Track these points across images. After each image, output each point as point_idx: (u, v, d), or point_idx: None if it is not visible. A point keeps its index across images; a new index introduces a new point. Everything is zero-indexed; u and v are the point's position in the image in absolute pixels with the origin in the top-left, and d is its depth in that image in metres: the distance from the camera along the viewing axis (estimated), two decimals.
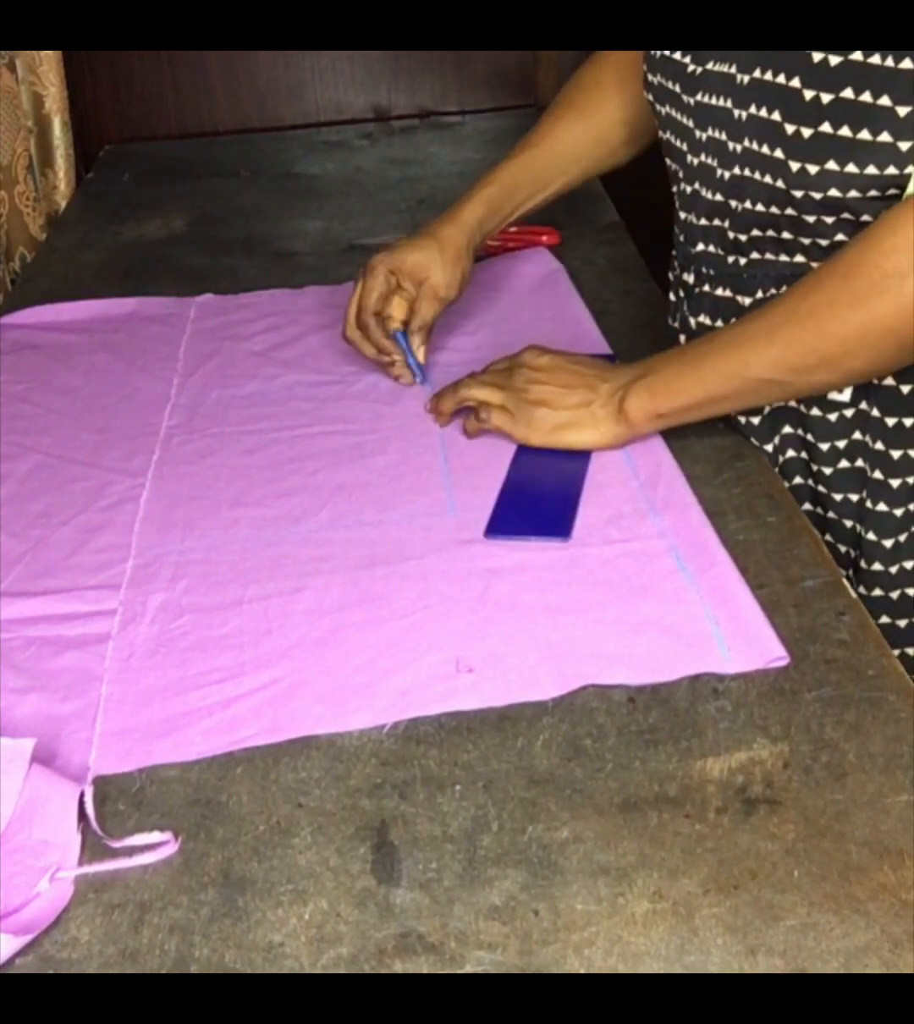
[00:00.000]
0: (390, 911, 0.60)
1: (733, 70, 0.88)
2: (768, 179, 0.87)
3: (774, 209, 0.88)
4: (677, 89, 0.94)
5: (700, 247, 0.97)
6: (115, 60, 1.81)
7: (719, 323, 0.96)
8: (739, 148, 0.88)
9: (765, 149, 0.86)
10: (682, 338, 1.01)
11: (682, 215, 0.99)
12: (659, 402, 0.91)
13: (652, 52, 0.98)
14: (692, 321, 0.99)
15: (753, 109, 0.86)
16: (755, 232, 0.91)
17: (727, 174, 0.90)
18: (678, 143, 0.96)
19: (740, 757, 0.68)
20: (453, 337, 1.17)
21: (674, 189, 1.01)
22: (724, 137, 0.90)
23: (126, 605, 0.83)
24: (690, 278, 1.00)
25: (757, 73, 0.85)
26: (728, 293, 0.96)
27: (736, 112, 0.88)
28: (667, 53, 0.95)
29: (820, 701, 0.71)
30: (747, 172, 0.88)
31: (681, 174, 0.97)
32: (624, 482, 0.92)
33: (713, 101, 0.90)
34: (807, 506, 0.95)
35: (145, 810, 0.67)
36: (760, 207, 0.89)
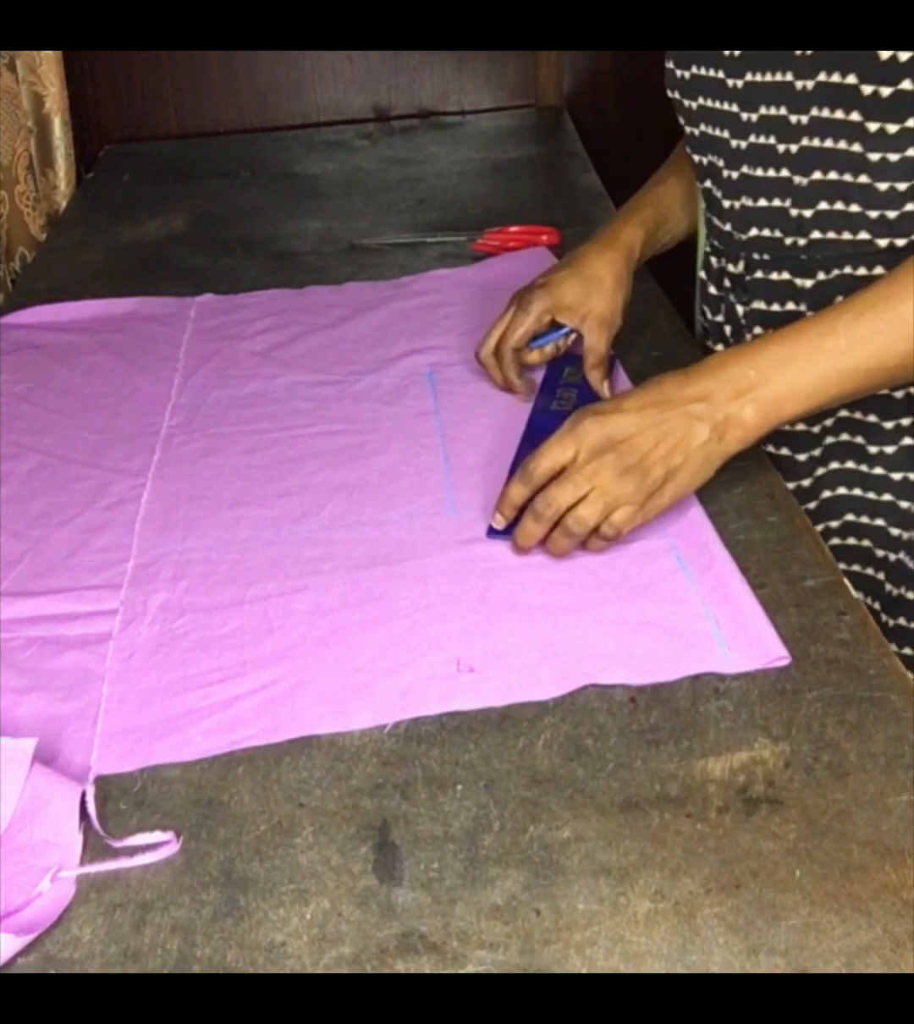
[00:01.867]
0: (392, 911, 0.61)
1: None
2: (843, 144, 0.85)
3: (847, 176, 0.86)
4: (720, 74, 0.92)
5: (753, 232, 0.94)
6: (115, 60, 1.81)
7: (775, 307, 0.95)
8: (805, 119, 0.86)
9: (839, 113, 0.84)
10: (727, 329, 1.01)
11: (727, 204, 0.96)
12: (770, 417, 0.81)
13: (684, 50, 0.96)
14: (740, 309, 0.98)
15: (822, 76, 0.84)
16: (823, 205, 0.89)
17: (794, 148, 0.88)
18: (716, 131, 0.94)
19: (741, 757, 0.68)
20: (453, 337, 1.17)
21: (707, 183, 0.99)
22: (783, 111, 0.88)
23: (127, 605, 0.83)
24: (738, 267, 0.97)
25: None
26: (786, 276, 0.94)
27: (799, 83, 0.86)
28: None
29: (821, 701, 0.71)
30: (816, 142, 0.87)
31: (722, 163, 0.95)
32: None
33: (767, 78, 0.88)
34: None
35: (146, 810, 0.67)
36: (833, 175, 0.87)
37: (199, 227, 1.52)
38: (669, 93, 0.99)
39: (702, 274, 1.05)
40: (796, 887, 0.60)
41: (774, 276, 0.95)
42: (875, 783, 0.66)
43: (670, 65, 0.98)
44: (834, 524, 0.98)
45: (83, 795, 0.67)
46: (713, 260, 1.02)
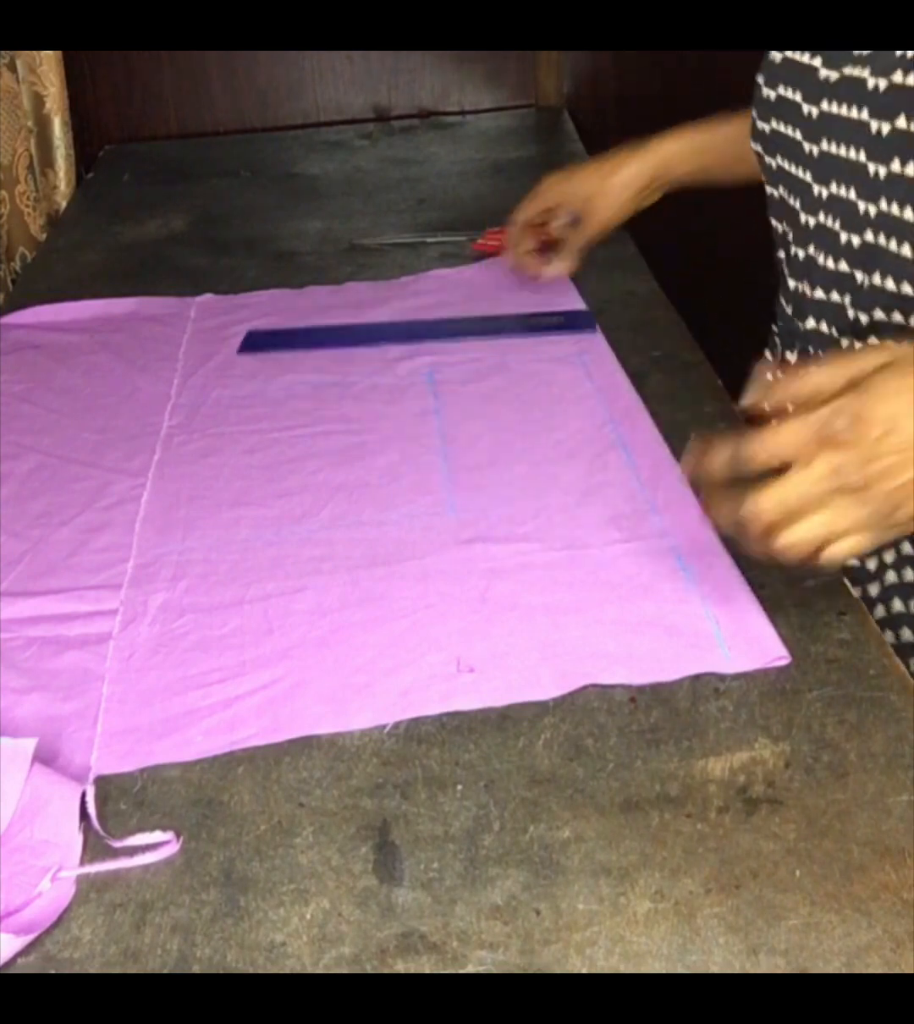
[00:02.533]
0: (392, 911, 0.60)
1: (865, 116, 0.77)
2: (907, 251, 0.75)
3: (907, 288, 0.77)
4: (797, 136, 0.83)
5: (811, 324, 0.86)
6: (115, 60, 1.81)
7: None
8: (873, 210, 0.77)
9: (908, 213, 0.75)
10: None
11: (791, 284, 0.89)
12: None
13: (767, 94, 0.88)
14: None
15: (896, 165, 0.74)
16: (879, 314, 0.79)
17: (856, 240, 0.79)
18: (791, 200, 0.86)
19: (741, 757, 0.68)
20: (455, 339, 1.17)
21: (781, 254, 0.91)
22: (852, 196, 0.79)
23: (127, 605, 0.83)
24: (793, 357, 0.89)
25: (901, 122, 0.74)
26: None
27: (872, 166, 0.76)
28: (784, 92, 0.84)
29: (821, 701, 0.71)
30: (881, 240, 0.77)
31: (791, 236, 0.87)
32: (624, 482, 0.92)
33: (841, 152, 0.79)
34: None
35: (146, 810, 0.67)
36: (891, 284, 0.77)
37: (199, 227, 1.52)
38: (751, 144, 0.92)
39: (767, 353, 0.98)
40: (796, 887, 0.60)
41: None
42: (875, 783, 0.65)
43: (753, 116, 0.90)
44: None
45: (83, 795, 0.67)
46: (775, 342, 0.96)
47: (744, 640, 0.75)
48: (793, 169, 0.85)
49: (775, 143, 0.87)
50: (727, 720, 0.70)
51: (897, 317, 0.78)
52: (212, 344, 1.19)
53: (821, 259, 0.83)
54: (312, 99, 1.88)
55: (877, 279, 0.78)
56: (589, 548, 0.85)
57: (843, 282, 0.82)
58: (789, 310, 0.90)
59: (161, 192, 1.64)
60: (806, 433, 0.63)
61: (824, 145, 0.81)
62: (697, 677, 0.73)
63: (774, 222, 0.92)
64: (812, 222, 0.84)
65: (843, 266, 0.81)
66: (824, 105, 0.82)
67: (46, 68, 1.63)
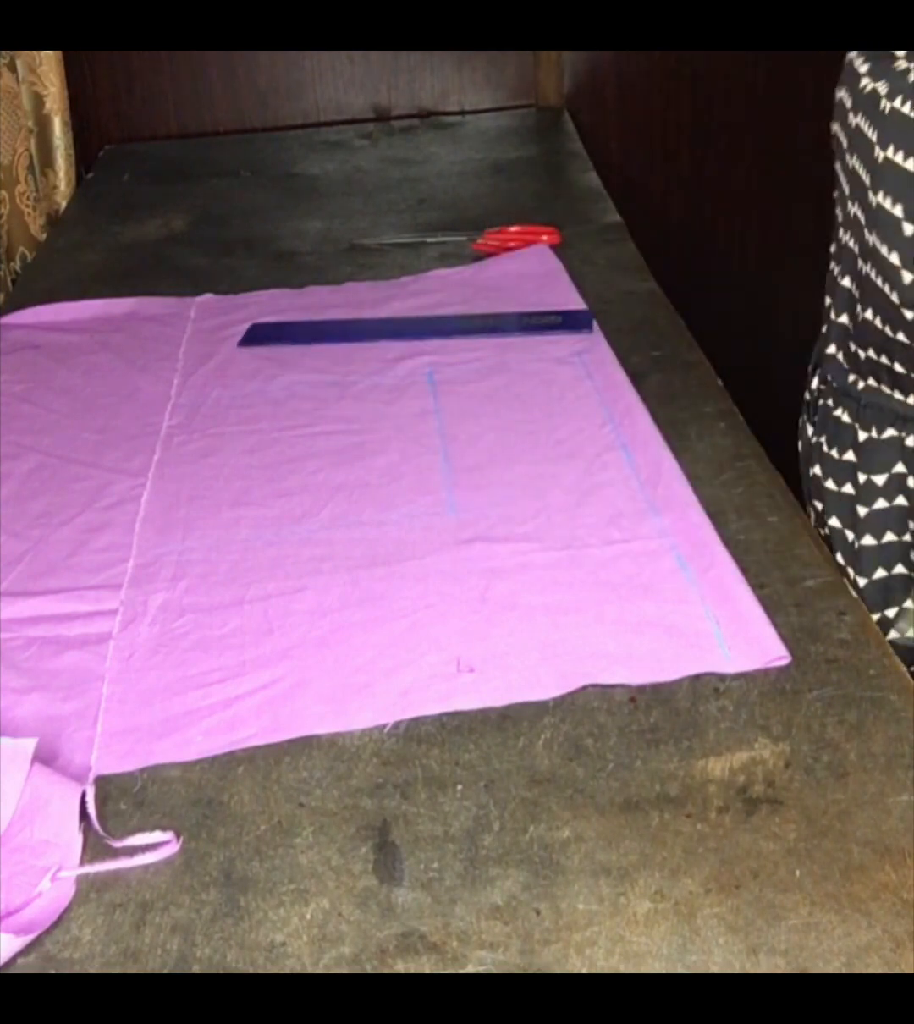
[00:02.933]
0: (392, 911, 0.60)
1: None
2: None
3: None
4: (866, 180, 0.85)
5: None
6: (115, 60, 1.81)
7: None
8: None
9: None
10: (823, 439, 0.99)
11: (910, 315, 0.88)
12: None
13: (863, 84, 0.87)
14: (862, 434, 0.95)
15: None
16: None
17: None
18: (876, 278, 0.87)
19: (741, 757, 0.68)
20: (453, 337, 1.17)
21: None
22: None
23: (127, 605, 0.83)
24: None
25: None
26: (847, 418, 0.92)
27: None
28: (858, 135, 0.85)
29: (821, 701, 0.71)
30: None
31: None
32: (624, 482, 0.92)
33: (888, 206, 0.83)
34: None
35: (146, 810, 0.67)
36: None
37: (199, 227, 1.52)
38: (834, 127, 0.92)
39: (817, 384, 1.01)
40: (796, 887, 0.60)
41: (840, 414, 0.92)
42: (875, 783, 0.65)
43: (844, 100, 0.90)
44: None
45: (83, 795, 0.66)
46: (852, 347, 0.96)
47: (744, 640, 0.75)
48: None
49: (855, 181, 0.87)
50: (727, 720, 0.70)
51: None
52: (212, 344, 1.19)
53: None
54: (312, 99, 1.88)
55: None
56: (589, 548, 0.85)
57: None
58: (900, 336, 0.87)
59: (161, 192, 1.64)
60: None
61: (880, 198, 0.84)
62: (697, 677, 0.73)
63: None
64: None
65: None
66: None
67: (46, 68, 1.63)
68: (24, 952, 0.59)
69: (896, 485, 0.93)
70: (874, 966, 0.56)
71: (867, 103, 0.85)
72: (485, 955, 0.58)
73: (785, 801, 0.65)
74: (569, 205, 1.52)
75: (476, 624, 0.79)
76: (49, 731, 0.72)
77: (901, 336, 0.84)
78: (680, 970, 0.57)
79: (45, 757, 0.68)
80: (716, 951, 0.57)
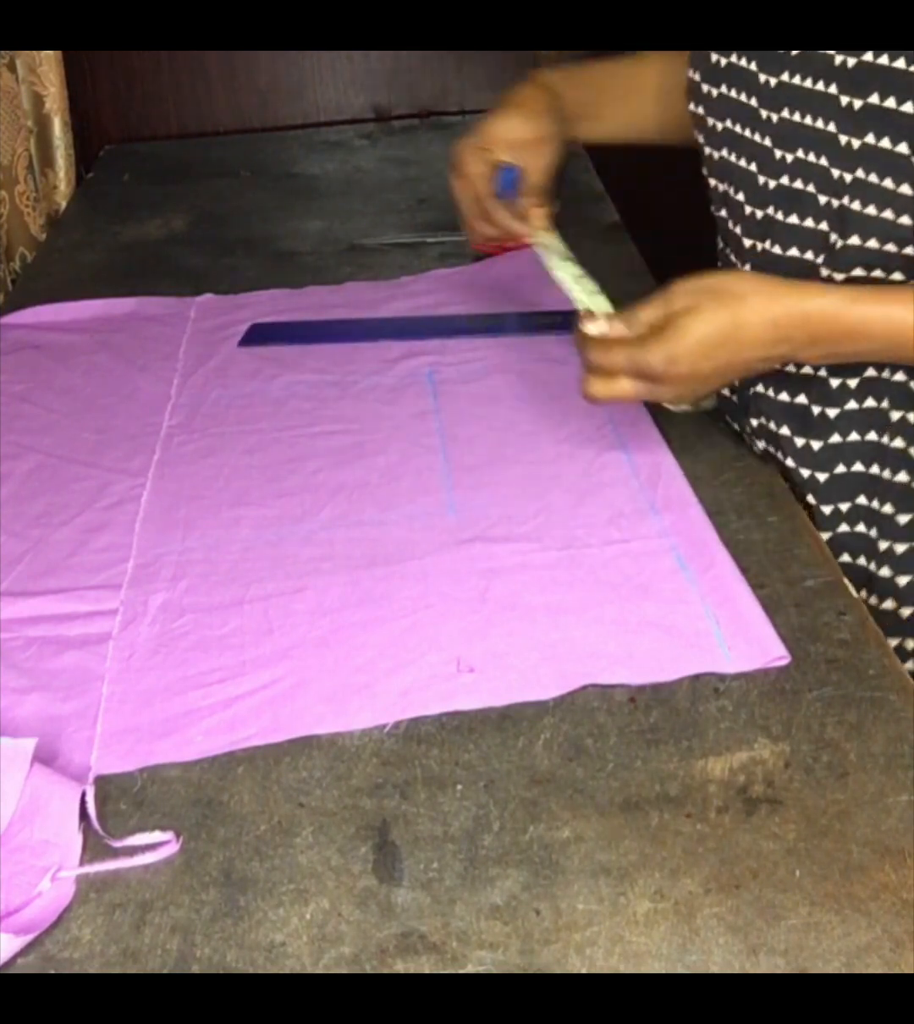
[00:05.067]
0: (391, 911, 0.60)
1: (833, 90, 0.79)
2: (889, 214, 0.78)
3: (890, 246, 0.79)
4: (752, 102, 0.85)
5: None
6: (115, 60, 1.81)
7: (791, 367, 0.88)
8: (849, 178, 0.79)
9: (888, 182, 0.77)
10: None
11: (747, 242, 0.89)
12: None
13: (717, 59, 0.89)
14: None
15: (870, 138, 0.77)
16: (858, 271, 0.81)
17: (835, 203, 0.81)
18: (742, 162, 0.87)
19: (741, 757, 0.68)
20: (453, 337, 1.17)
21: (723, 213, 0.93)
22: (824, 162, 0.80)
23: (127, 605, 0.83)
24: None
25: (874, 98, 0.76)
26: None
27: (843, 138, 0.78)
28: (734, 60, 0.86)
29: (821, 701, 0.71)
30: (857, 205, 0.79)
31: (743, 197, 0.88)
32: (624, 482, 0.92)
33: (807, 121, 0.81)
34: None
35: (146, 810, 0.67)
36: (873, 243, 0.79)
37: (199, 227, 1.52)
38: (691, 107, 0.93)
39: None
40: (796, 887, 0.60)
41: None
42: (875, 783, 0.66)
43: (696, 78, 0.92)
44: None
45: (83, 795, 0.67)
46: None
47: (744, 640, 0.75)
48: (747, 133, 0.87)
49: (724, 108, 0.89)
50: (727, 720, 0.70)
51: (878, 273, 0.81)
52: (212, 344, 1.19)
53: (781, 216, 0.85)
54: (312, 99, 1.88)
55: (855, 240, 0.80)
56: (589, 548, 0.85)
57: (814, 240, 0.84)
58: (747, 267, 0.90)
59: (161, 192, 1.64)
60: (624, 361, 0.85)
61: (786, 113, 0.83)
62: (697, 677, 0.73)
63: (715, 182, 0.94)
64: (772, 183, 0.86)
65: (823, 226, 0.83)
66: (785, 76, 0.83)
67: (46, 68, 1.62)
68: (24, 952, 0.59)
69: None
70: (874, 966, 0.56)
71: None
72: (485, 955, 0.58)
73: (785, 801, 0.65)
74: (569, 205, 1.52)
75: (476, 624, 0.79)
76: (49, 731, 0.72)
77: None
78: (680, 970, 0.57)
79: (45, 757, 0.68)
80: (716, 951, 0.57)
